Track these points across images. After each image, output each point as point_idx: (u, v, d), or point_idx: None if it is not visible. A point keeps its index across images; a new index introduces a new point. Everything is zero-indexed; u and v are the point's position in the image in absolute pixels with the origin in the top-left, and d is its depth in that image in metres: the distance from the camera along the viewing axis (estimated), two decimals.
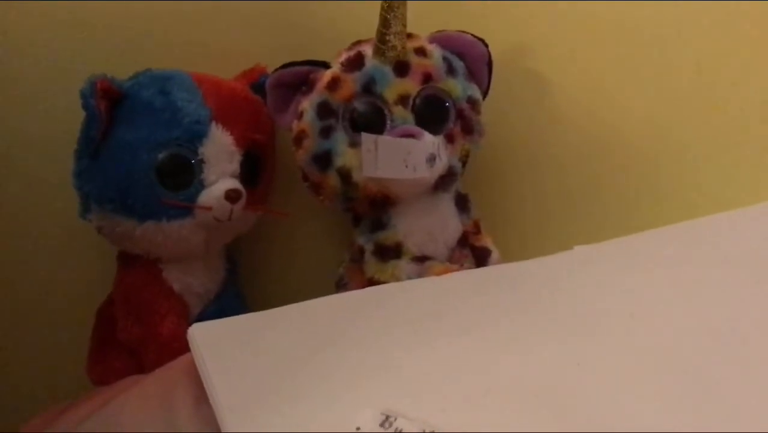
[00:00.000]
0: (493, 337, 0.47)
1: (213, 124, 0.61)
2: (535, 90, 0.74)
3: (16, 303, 0.73)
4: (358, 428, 0.38)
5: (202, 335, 0.49)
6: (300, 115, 0.64)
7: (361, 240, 0.65)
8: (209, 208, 0.61)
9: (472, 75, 0.66)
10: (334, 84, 0.62)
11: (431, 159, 0.61)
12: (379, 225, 0.64)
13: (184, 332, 0.50)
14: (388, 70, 0.62)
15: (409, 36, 0.63)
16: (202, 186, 0.61)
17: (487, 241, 0.68)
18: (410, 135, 0.60)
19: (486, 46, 0.66)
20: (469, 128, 0.64)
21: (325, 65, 0.64)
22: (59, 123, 0.66)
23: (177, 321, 0.63)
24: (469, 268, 0.65)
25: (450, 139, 0.63)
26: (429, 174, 0.61)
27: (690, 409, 0.38)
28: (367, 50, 0.63)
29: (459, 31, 0.66)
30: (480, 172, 0.71)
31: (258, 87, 0.67)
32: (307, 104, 0.63)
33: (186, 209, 0.61)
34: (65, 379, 0.68)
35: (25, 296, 0.73)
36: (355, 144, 0.61)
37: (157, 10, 0.70)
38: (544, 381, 0.42)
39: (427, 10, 0.68)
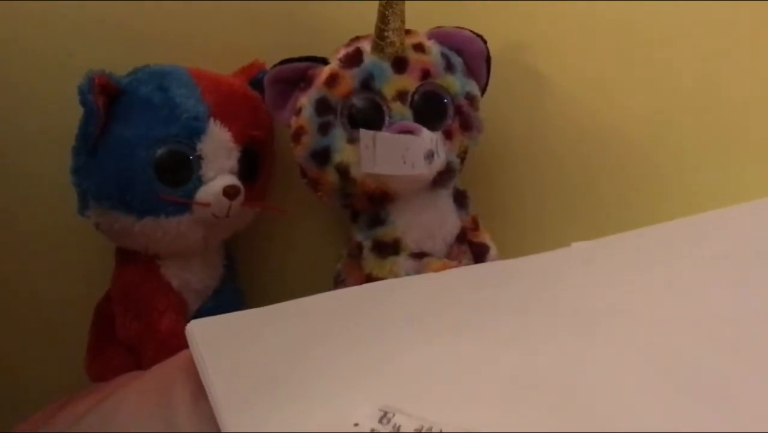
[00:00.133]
0: (491, 333, 0.47)
1: (211, 120, 0.61)
2: (533, 86, 0.74)
3: (14, 300, 0.73)
4: (356, 425, 0.38)
5: (200, 331, 0.49)
6: (298, 112, 0.64)
7: (360, 236, 0.65)
8: (207, 205, 0.61)
9: (470, 71, 0.66)
10: (332, 80, 0.62)
11: (429, 155, 0.61)
12: (377, 221, 0.64)
13: (183, 329, 0.50)
14: (386, 66, 0.62)
15: (408, 32, 0.63)
16: (200, 182, 0.61)
17: (485, 237, 0.68)
18: (408, 131, 0.60)
19: (484, 42, 0.66)
20: (467, 124, 0.64)
21: (324, 61, 0.64)
22: (57, 119, 0.65)
23: (175, 317, 0.63)
24: (468, 264, 0.65)
25: (448, 135, 0.63)
26: (427, 170, 0.61)
27: (689, 406, 0.38)
28: (366, 46, 0.63)
29: (457, 27, 0.66)
30: (478, 168, 0.71)
31: (256, 83, 0.67)
32: (306, 100, 0.63)
33: (184, 206, 0.61)
34: (64, 376, 0.68)
35: (23, 293, 0.73)
36: (353, 140, 0.61)
37: (155, 6, 0.70)
38: (542, 378, 0.42)
39: (425, 6, 0.68)
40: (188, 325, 0.50)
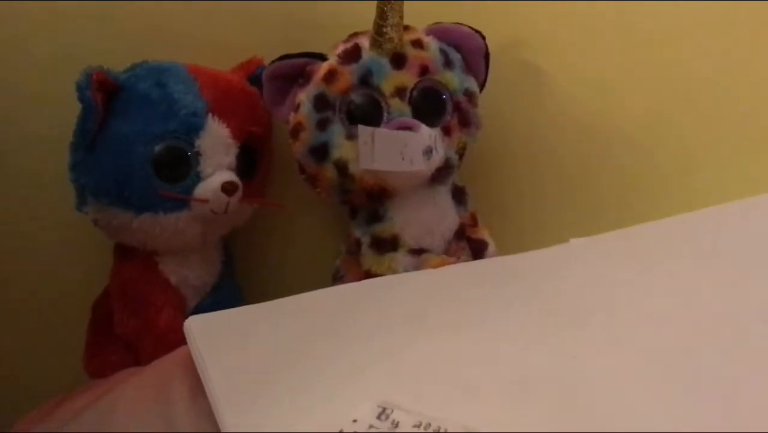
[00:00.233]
0: (490, 329, 0.47)
1: (209, 116, 0.61)
2: (532, 82, 0.74)
3: (12, 296, 0.73)
4: (354, 421, 0.38)
5: (198, 327, 0.49)
6: (297, 108, 0.63)
7: (358, 232, 0.65)
8: (206, 201, 0.61)
9: (469, 67, 0.66)
10: (330, 76, 0.62)
11: (428, 151, 0.61)
12: (375, 217, 0.64)
13: (181, 325, 0.50)
14: (385, 62, 0.62)
15: (406, 28, 0.63)
16: (198, 178, 0.61)
17: (483, 233, 0.68)
18: (407, 127, 0.60)
19: (483, 38, 0.66)
20: (466, 121, 0.64)
21: (322, 57, 0.64)
22: (55, 115, 0.65)
23: (173, 314, 0.63)
24: (466, 260, 0.66)
25: (447, 131, 0.63)
26: (426, 167, 0.61)
27: (688, 401, 0.38)
28: (364, 42, 0.63)
29: (456, 23, 0.66)
30: (477, 164, 0.71)
31: (255, 79, 0.67)
32: (304, 96, 0.63)
33: (182, 202, 0.61)
34: (62, 372, 0.68)
35: (21, 289, 0.73)
36: (351, 136, 0.61)
37: (154, 2, 0.70)
38: (541, 373, 0.42)
39: (423, 2, 0.68)
40: (186, 321, 0.50)
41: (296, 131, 0.63)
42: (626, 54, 0.74)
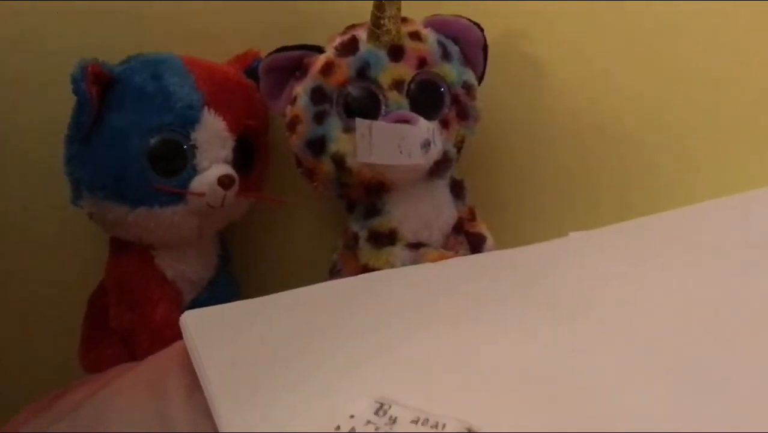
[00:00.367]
0: (488, 323, 0.47)
1: (205, 109, 0.61)
2: (531, 75, 0.74)
3: (7, 290, 0.72)
4: (352, 417, 0.38)
5: (194, 322, 0.49)
6: (293, 101, 0.63)
7: (356, 227, 0.65)
8: (202, 195, 0.61)
9: (467, 60, 0.66)
10: (328, 69, 0.62)
11: (426, 145, 0.60)
12: (373, 211, 0.64)
13: (177, 319, 0.50)
14: (382, 54, 0.61)
15: (404, 20, 0.63)
16: (194, 172, 0.61)
17: (482, 227, 0.67)
18: (405, 120, 0.60)
19: (482, 30, 0.66)
20: (464, 113, 0.64)
21: (319, 50, 0.64)
22: (50, 108, 0.65)
23: (170, 308, 0.62)
24: (464, 254, 0.65)
25: (445, 124, 0.63)
26: (424, 160, 0.61)
27: (685, 393, 0.38)
28: (362, 34, 0.62)
29: (454, 15, 0.66)
30: (475, 158, 0.71)
31: (251, 72, 0.66)
32: (301, 89, 0.63)
33: (178, 195, 0.61)
34: (58, 366, 0.68)
35: (16, 283, 0.73)
36: (349, 129, 0.61)
37: None
38: (539, 367, 0.42)
39: None
40: (183, 315, 0.50)
41: (293, 124, 0.63)
42: (625, 48, 0.74)
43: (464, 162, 0.68)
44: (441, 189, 0.66)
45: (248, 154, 0.65)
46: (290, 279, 0.56)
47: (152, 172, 0.60)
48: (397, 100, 0.61)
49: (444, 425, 0.37)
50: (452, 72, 0.63)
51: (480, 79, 0.67)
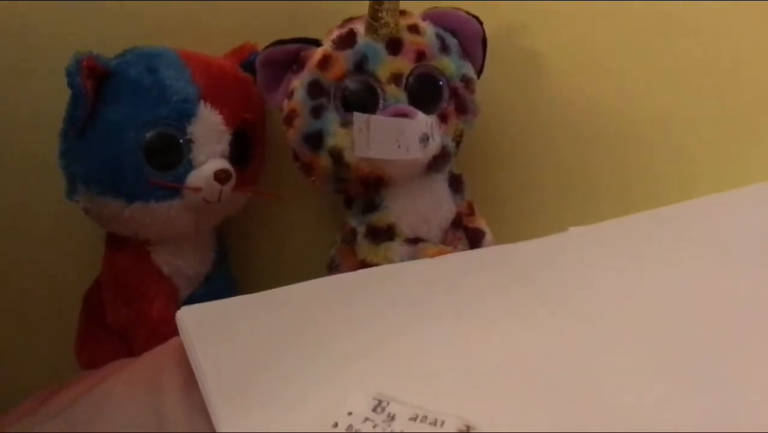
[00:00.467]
0: (487, 319, 0.47)
1: (201, 103, 0.61)
2: (530, 69, 0.74)
3: (2, 287, 0.72)
4: (349, 414, 0.38)
5: (191, 318, 0.49)
6: (290, 94, 0.63)
7: (354, 222, 0.65)
8: (198, 189, 0.60)
9: (466, 53, 0.65)
10: (325, 62, 0.61)
11: (424, 139, 0.60)
12: (371, 206, 0.64)
13: (173, 315, 0.49)
14: (380, 47, 0.61)
15: (402, 13, 0.62)
16: (190, 166, 0.60)
17: (480, 222, 0.67)
18: (403, 114, 0.60)
19: (480, 23, 0.65)
20: (463, 107, 0.64)
21: (317, 43, 0.63)
22: (44, 102, 0.64)
23: (166, 304, 0.62)
24: (463, 250, 0.65)
25: (443, 118, 0.63)
26: (422, 154, 0.61)
27: (683, 388, 0.38)
28: (359, 27, 0.62)
29: (453, 7, 0.65)
30: (474, 152, 0.71)
31: (248, 65, 0.66)
32: (298, 83, 0.62)
33: (174, 190, 0.60)
34: (53, 362, 0.67)
35: (11, 278, 0.72)
36: (346, 124, 0.61)
37: None
38: (538, 362, 0.42)
39: None
40: (179, 311, 0.50)
41: (290, 118, 0.63)
42: (626, 41, 0.74)
43: (463, 156, 0.67)
44: (439, 184, 0.66)
45: (245, 148, 0.64)
46: (288, 275, 0.55)
47: (148, 166, 0.59)
48: (395, 94, 0.61)
49: (443, 423, 0.37)
50: (451, 65, 0.63)
51: (479, 72, 0.66)
